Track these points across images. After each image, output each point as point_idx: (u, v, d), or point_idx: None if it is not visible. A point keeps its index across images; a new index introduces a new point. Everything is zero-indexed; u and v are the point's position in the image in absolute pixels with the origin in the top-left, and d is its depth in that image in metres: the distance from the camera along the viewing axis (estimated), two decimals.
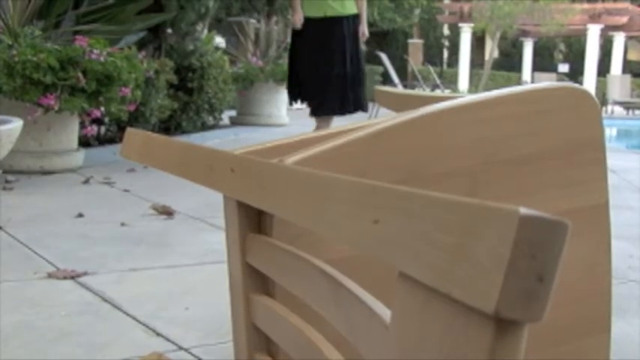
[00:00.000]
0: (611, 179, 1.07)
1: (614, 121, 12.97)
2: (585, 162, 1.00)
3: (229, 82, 7.37)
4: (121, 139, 1.14)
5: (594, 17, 19.50)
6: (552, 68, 22.24)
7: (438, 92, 9.50)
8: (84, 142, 4.66)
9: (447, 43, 24.38)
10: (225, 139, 6.36)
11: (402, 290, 0.47)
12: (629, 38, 21.70)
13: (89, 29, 4.61)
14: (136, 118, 5.30)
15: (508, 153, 0.95)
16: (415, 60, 20.24)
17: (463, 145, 0.92)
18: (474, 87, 19.17)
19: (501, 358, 0.39)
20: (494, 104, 0.95)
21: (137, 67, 4.27)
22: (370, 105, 5.57)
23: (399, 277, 0.47)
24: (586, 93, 1.01)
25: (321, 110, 5.02)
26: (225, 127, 7.70)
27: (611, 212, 1.02)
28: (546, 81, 10.70)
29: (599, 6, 19.47)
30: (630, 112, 15.81)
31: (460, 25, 20.92)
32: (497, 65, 22.64)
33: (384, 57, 12.78)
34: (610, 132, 11.11)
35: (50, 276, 2.01)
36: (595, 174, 1.01)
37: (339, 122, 3.74)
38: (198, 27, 6.90)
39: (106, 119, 5.18)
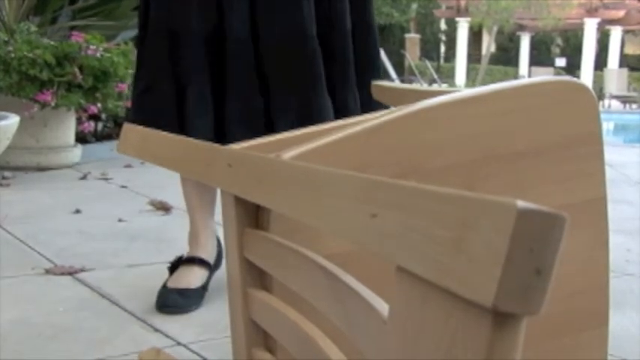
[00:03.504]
0: (609, 173, 1.07)
1: (611, 115, 12.99)
2: (583, 156, 1.00)
3: None
4: (117, 135, 1.14)
5: (591, 11, 19.51)
6: (549, 62, 22.28)
7: (435, 87, 9.50)
8: (81, 139, 4.65)
9: (444, 37, 24.39)
10: None
11: (400, 284, 0.47)
12: (625, 32, 21.72)
13: (85, 25, 4.60)
14: None
15: (505, 147, 0.95)
16: (412, 55, 20.24)
17: (461, 139, 0.92)
18: (471, 81, 19.19)
19: (500, 351, 0.39)
20: (492, 98, 0.95)
21: (134, 63, 4.26)
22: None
23: (397, 272, 0.47)
24: (583, 87, 1.01)
25: None
26: None
27: (608, 206, 1.02)
28: (543, 75, 10.70)
29: (595, 0, 19.48)
30: (627, 106, 15.83)
31: (457, 19, 20.93)
32: (495, 60, 22.66)
33: (381, 52, 12.79)
34: (607, 126, 11.12)
35: (48, 272, 2.01)
36: (592, 168, 1.01)
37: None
38: None
39: (103, 115, 5.17)
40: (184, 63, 1.69)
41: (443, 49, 24.48)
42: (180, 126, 1.67)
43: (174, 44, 1.70)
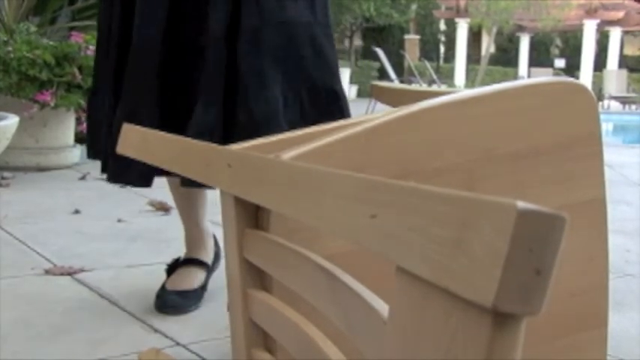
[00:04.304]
0: (608, 174, 1.07)
1: (610, 116, 13.00)
2: (582, 157, 1.00)
3: None
4: None
5: (590, 12, 19.52)
6: (549, 63, 22.30)
7: (434, 87, 9.49)
8: (80, 139, 4.64)
9: (443, 38, 24.39)
10: None
11: (399, 285, 0.47)
12: (625, 33, 21.73)
13: (85, 25, 4.59)
14: None
15: (505, 148, 0.95)
16: (412, 55, 20.24)
17: (460, 140, 0.92)
18: (470, 82, 19.20)
19: (500, 351, 0.39)
20: (491, 99, 0.95)
21: None
22: (367, 100, 5.52)
23: (397, 272, 0.47)
24: (582, 87, 1.01)
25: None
26: None
27: (607, 207, 1.02)
28: (543, 76, 10.69)
29: (595, 1, 19.48)
30: (626, 106, 15.83)
31: (456, 20, 20.93)
32: (494, 60, 22.67)
33: (380, 53, 12.78)
34: (606, 127, 11.12)
35: (47, 272, 2.01)
36: (592, 169, 1.01)
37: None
38: None
39: None
40: (105, 68, 1.64)
41: (442, 49, 24.48)
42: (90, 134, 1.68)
43: (107, 48, 1.64)
